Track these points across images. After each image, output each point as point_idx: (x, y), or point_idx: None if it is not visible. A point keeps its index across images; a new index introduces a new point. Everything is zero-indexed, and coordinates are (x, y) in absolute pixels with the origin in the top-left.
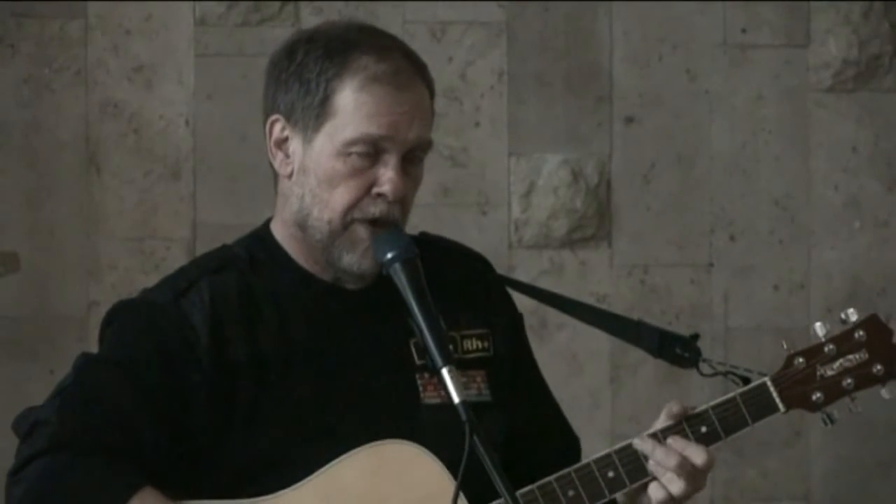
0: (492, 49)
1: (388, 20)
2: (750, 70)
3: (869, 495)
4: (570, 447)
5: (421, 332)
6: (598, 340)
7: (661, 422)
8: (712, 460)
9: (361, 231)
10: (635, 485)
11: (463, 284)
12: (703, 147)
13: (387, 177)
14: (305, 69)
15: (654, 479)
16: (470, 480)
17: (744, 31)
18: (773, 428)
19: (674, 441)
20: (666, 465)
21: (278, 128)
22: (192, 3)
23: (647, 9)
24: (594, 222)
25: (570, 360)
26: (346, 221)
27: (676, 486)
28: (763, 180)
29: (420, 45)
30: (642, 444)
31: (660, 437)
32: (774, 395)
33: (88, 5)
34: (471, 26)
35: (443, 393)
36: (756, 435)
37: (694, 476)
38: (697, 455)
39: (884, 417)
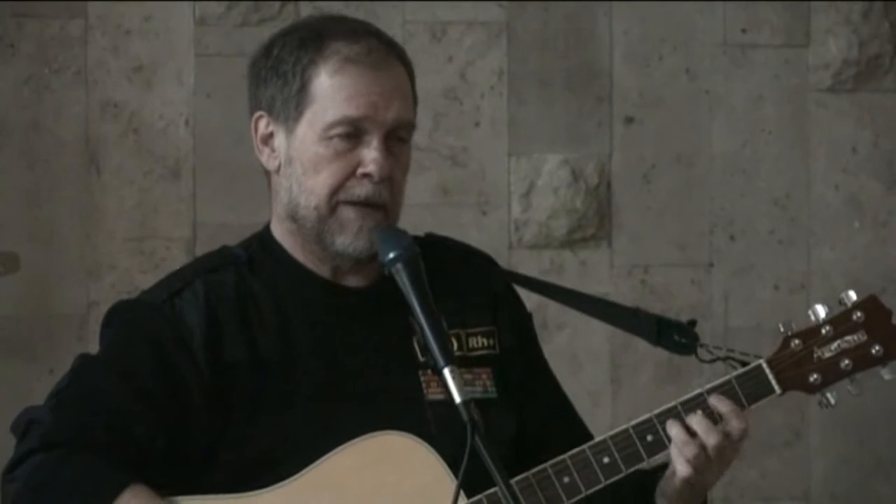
0: (492, 49)
1: (388, 20)
2: (750, 70)
3: (869, 495)
4: (584, 443)
5: (423, 331)
6: (598, 340)
7: None
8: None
9: (349, 212)
10: (630, 470)
11: (468, 283)
12: (703, 147)
13: (370, 157)
14: (282, 62)
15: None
16: (468, 473)
17: (744, 31)
18: (773, 428)
19: (716, 400)
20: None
21: (263, 124)
22: (192, 3)
23: (647, 9)
24: (594, 222)
25: (570, 360)
26: (332, 204)
27: (691, 451)
28: (763, 180)
29: (420, 45)
30: (672, 428)
31: (683, 416)
32: (770, 376)
33: (88, 5)
34: (471, 26)
35: (447, 389)
36: (756, 435)
37: (723, 453)
38: (734, 418)
39: (884, 417)
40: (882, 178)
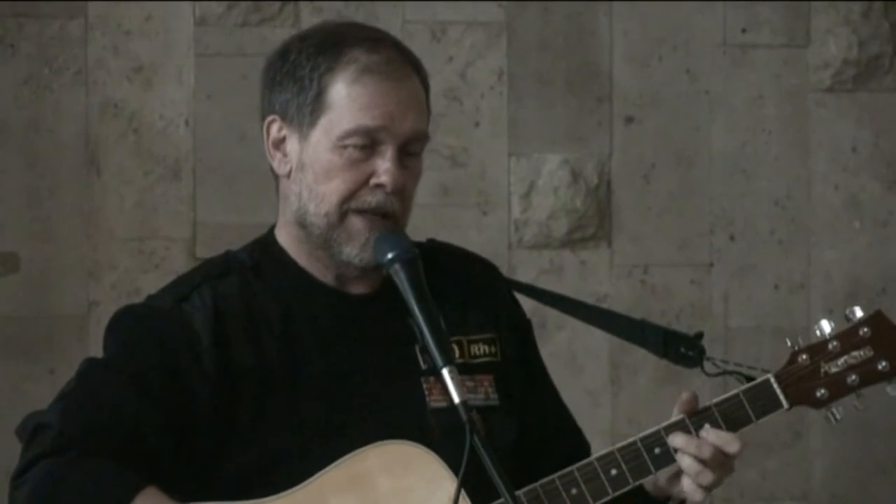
0: (492, 49)
1: (388, 20)
2: (750, 70)
3: (869, 495)
4: (580, 453)
5: (421, 332)
6: (598, 341)
7: (676, 413)
8: (744, 445)
9: (357, 222)
10: (637, 482)
11: (470, 289)
12: (703, 147)
13: (384, 167)
14: (298, 67)
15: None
16: (473, 480)
17: (744, 31)
18: (774, 429)
19: (706, 432)
20: (702, 456)
21: (275, 128)
22: (192, 3)
23: (647, 9)
24: (594, 222)
25: (570, 361)
26: (343, 212)
27: (707, 478)
28: (763, 180)
29: (420, 45)
30: (674, 440)
31: (692, 429)
32: (778, 391)
33: (88, 5)
34: (471, 26)
35: (449, 396)
36: (756, 435)
37: (724, 464)
38: (731, 444)
39: (883, 418)
40: (882, 178)
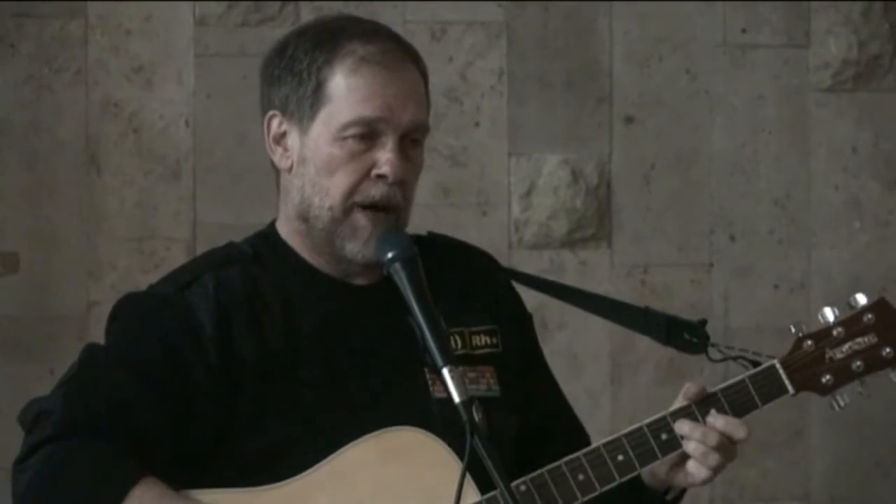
0: (492, 49)
1: (388, 20)
2: (750, 70)
3: (869, 495)
4: (580, 444)
5: (421, 331)
6: (598, 340)
7: (679, 402)
8: (750, 432)
9: (361, 219)
10: (644, 467)
11: (471, 281)
12: (703, 147)
13: (385, 158)
14: (296, 62)
15: (684, 458)
16: (478, 471)
17: (744, 31)
18: (774, 428)
19: (713, 418)
20: (708, 444)
21: (275, 123)
22: (192, 3)
23: (647, 9)
24: (594, 222)
25: (570, 360)
26: (347, 206)
27: (714, 459)
28: (763, 180)
29: (420, 45)
30: (681, 427)
31: (698, 415)
32: (783, 376)
33: (88, 5)
34: (471, 26)
35: None
36: (756, 435)
37: (729, 450)
38: (738, 430)
39: (884, 418)
40: (882, 178)
